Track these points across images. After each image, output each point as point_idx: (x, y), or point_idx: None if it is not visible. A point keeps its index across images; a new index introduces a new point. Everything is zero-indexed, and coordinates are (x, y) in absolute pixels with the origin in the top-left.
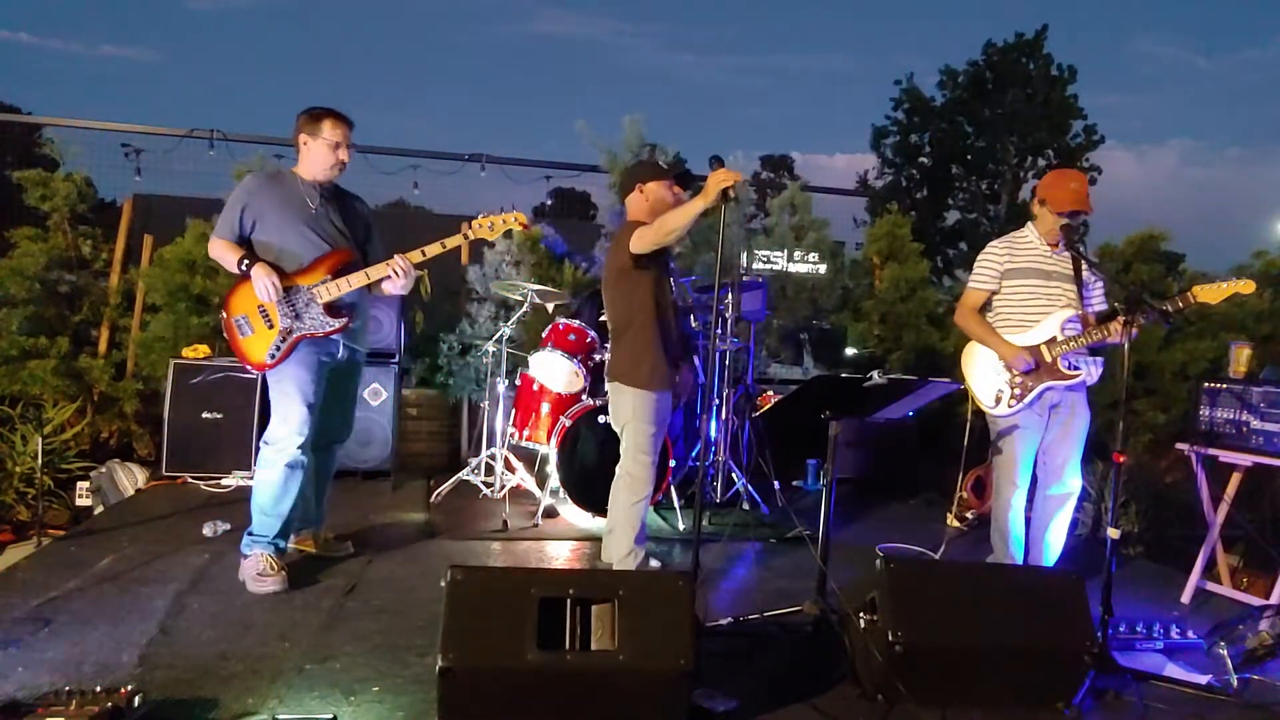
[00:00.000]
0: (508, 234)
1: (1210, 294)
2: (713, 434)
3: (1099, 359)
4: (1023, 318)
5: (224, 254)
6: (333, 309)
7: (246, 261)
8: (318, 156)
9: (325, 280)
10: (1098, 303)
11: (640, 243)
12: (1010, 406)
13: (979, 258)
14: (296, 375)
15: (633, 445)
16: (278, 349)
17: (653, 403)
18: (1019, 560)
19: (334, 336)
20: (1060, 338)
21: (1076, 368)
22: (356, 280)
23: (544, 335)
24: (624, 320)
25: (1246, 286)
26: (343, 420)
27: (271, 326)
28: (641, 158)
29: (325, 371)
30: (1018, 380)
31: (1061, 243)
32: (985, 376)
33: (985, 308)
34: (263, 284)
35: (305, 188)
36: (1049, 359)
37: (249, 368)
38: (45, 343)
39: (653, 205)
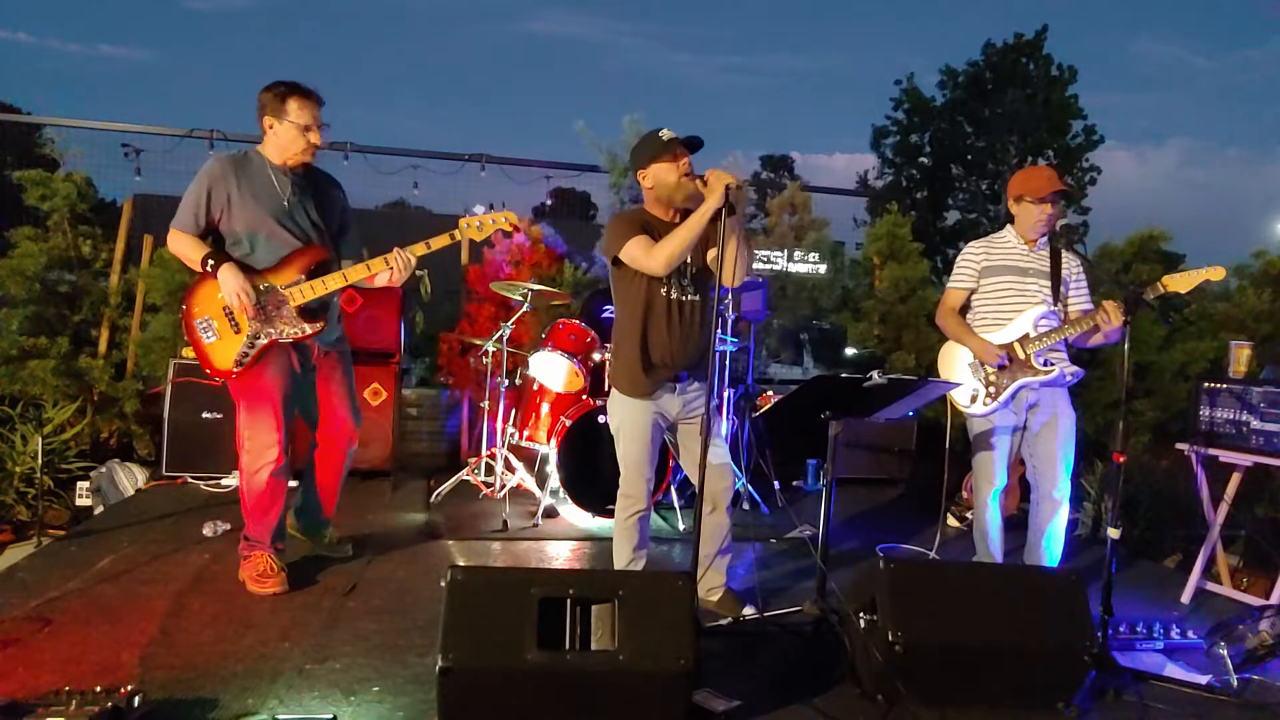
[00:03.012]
0: (507, 234)
1: (1179, 283)
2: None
3: (1077, 369)
4: (998, 314)
5: (186, 249)
6: (306, 311)
7: (212, 261)
8: (285, 141)
9: (298, 281)
10: (1081, 301)
11: (631, 260)
12: (985, 405)
13: (958, 258)
14: (269, 381)
15: (619, 456)
16: (245, 355)
17: (628, 409)
18: (999, 558)
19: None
20: (1033, 334)
21: (1050, 365)
22: (333, 282)
23: (544, 335)
24: (615, 317)
25: (1215, 273)
26: (351, 412)
27: (238, 330)
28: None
29: (298, 374)
30: (991, 379)
31: (1043, 240)
32: (960, 376)
33: (965, 308)
34: (232, 288)
35: (276, 175)
36: (1022, 356)
37: (214, 375)
38: (45, 343)
39: (658, 191)
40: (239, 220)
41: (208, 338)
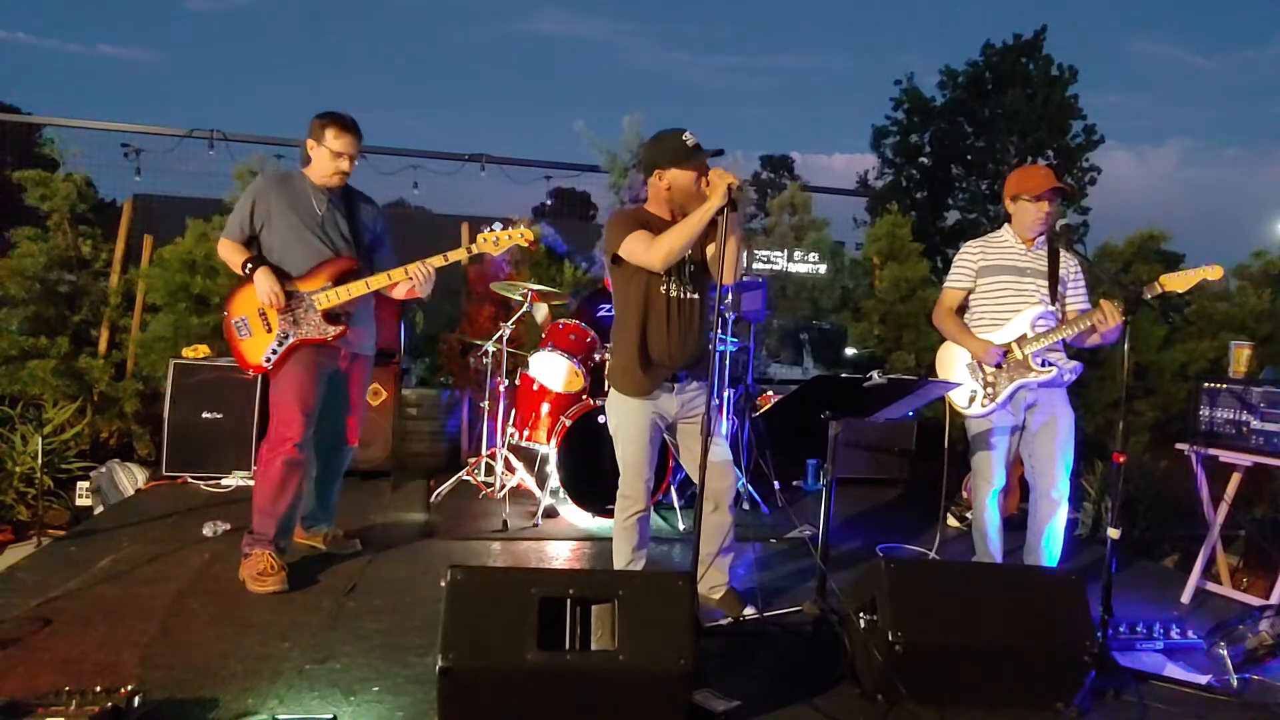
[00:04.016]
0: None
1: (1176, 282)
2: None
3: (1076, 364)
4: (996, 315)
5: (231, 255)
6: (331, 316)
7: (250, 264)
8: (320, 163)
9: (325, 287)
10: (1079, 301)
11: (630, 255)
12: (984, 406)
13: (955, 257)
14: (294, 376)
15: (618, 456)
16: (274, 352)
17: (626, 408)
18: (998, 558)
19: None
20: (1031, 334)
21: (1049, 364)
22: (356, 289)
23: (544, 335)
24: (615, 316)
25: (1214, 273)
26: (350, 421)
27: (270, 330)
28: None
29: (325, 374)
30: (989, 380)
31: (1040, 239)
32: (959, 377)
33: (963, 308)
34: (264, 288)
35: (314, 192)
36: (1020, 356)
37: (246, 369)
38: (45, 343)
39: (673, 196)
40: (277, 231)
41: (242, 335)
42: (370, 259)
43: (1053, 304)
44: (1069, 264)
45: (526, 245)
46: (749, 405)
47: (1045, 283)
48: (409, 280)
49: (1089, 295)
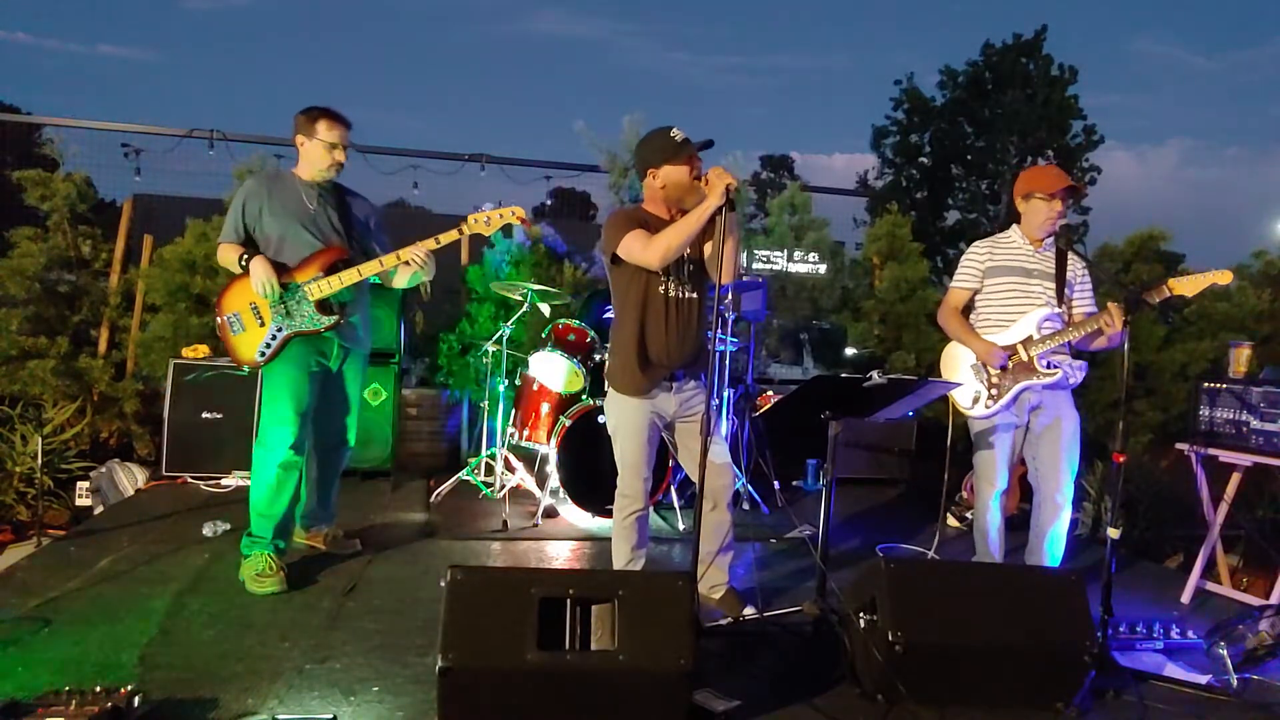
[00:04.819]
0: (508, 232)
1: (1186, 286)
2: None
3: (1082, 363)
4: (1002, 316)
5: (228, 256)
6: (324, 306)
7: (246, 256)
8: (314, 157)
9: (317, 277)
10: (1086, 304)
11: (628, 254)
12: (987, 407)
13: (962, 257)
14: (287, 374)
15: (616, 456)
16: (268, 346)
17: (625, 408)
18: (999, 558)
19: (328, 335)
20: (1037, 336)
21: (1054, 367)
22: (348, 277)
23: (544, 335)
24: (614, 316)
25: (1223, 277)
26: (348, 420)
27: (262, 324)
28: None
29: (320, 372)
30: (994, 381)
31: (1048, 241)
32: (963, 377)
33: (968, 309)
34: (260, 278)
35: (304, 187)
36: (1025, 358)
37: (241, 365)
38: (45, 343)
39: (668, 192)
40: (269, 226)
41: (235, 330)
42: (365, 252)
43: (1059, 306)
44: (1076, 266)
45: (519, 222)
46: (749, 405)
47: (1052, 285)
48: (406, 266)
49: (1094, 297)
